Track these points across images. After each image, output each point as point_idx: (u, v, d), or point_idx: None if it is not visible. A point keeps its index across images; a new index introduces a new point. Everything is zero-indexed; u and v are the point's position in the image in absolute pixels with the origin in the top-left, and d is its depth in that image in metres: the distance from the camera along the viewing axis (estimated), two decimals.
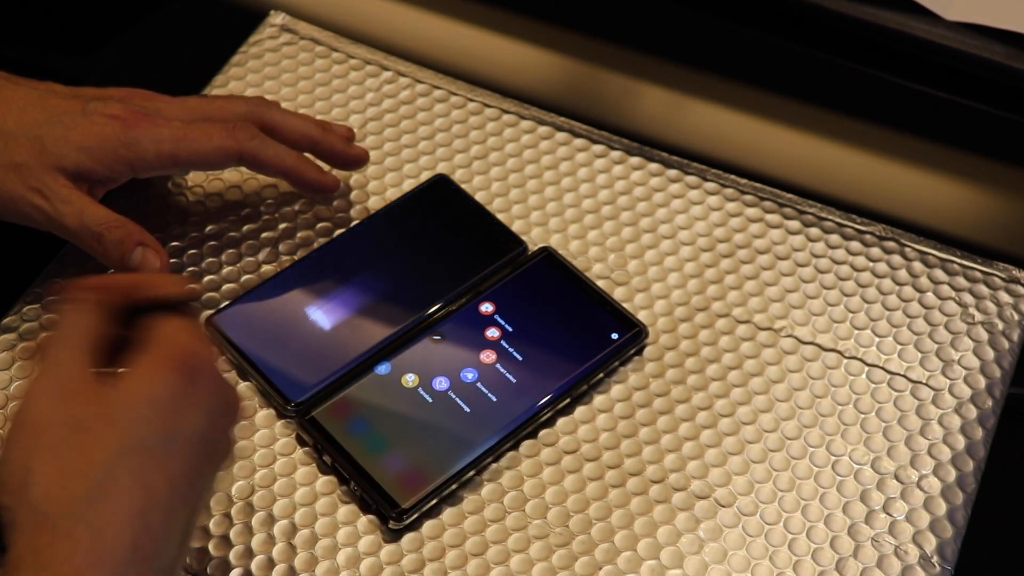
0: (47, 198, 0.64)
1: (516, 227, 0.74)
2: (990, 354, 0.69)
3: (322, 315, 0.69)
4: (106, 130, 0.65)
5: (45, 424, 0.51)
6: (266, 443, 0.66)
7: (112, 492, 0.49)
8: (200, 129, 0.66)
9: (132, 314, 0.55)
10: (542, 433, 0.67)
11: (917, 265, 0.73)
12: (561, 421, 0.67)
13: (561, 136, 0.78)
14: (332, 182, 0.71)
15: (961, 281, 0.72)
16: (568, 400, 0.67)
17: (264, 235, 0.73)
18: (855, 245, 0.74)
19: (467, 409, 0.66)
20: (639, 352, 0.69)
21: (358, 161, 0.72)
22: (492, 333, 0.69)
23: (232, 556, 0.63)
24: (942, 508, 0.64)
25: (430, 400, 0.66)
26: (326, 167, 0.72)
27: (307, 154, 0.71)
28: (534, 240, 0.73)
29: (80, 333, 0.53)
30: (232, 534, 0.63)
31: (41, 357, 0.53)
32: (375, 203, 0.75)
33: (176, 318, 0.54)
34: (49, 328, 0.55)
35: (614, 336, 0.69)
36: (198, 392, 0.53)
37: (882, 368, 0.69)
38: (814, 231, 0.74)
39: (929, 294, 0.72)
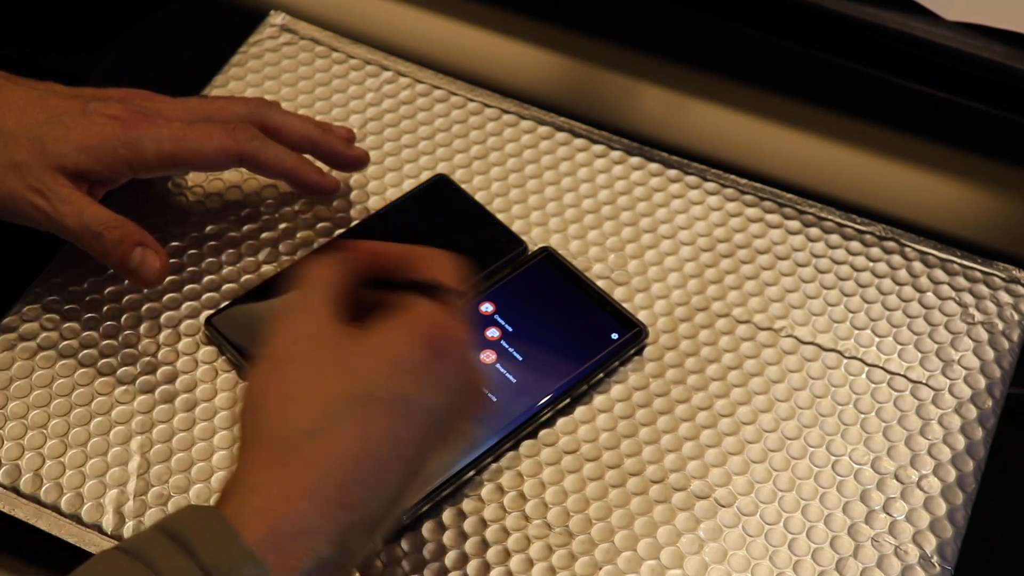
0: (47, 198, 0.64)
1: (516, 227, 0.74)
2: (990, 354, 0.69)
3: None
4: (106, 130, 0.65)
5: (287, 357, 0.52)
6: None
7: (332, 432, 0.50)
8: (200, 130, 0.66)
9: (388, 285, 0.56)
10: (542, 433, 0.67)
11: (917, 265, 0.73)
12: (561, 421, 0.67)
13: (561, 136, 0.78)
14: (332, 184, 0.71)
15: (961, 281, 0.72)
16: (568, 400, 0.67)
17: (264, 235, 0.73)
18: (855, 245, 0.74)
19: None
20: (639, 352, 0.69)
21: (358, 163, 0.72)
22: (492, 333, 0.69)
23: None
24: (942, 508, 0.64)
25: None
26: (326, 168, 0.72)
27: (307, 155, 0.71)
28: (534, 240, 0.73)
29: (329, 284, 0.55)
30: None
31: (292, 299, 0.54)
32: (375, 203, 0.75)
33: (436, 300, 0.54)
34: (297, 272, 0.56)
35: (614, 336, 0.69)
36: (443, 368, 0.53)
37: (882, 368, 0.69)
38: (814, 231, 0.74)
39: (929, 294, 0.72)
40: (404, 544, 0.63)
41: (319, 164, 0.72)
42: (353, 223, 0.74)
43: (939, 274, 0.72)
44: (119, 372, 0.68)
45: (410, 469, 0.52)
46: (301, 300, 0.54)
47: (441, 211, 0.74)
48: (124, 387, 0.68)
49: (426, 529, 0.63)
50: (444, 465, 0.55)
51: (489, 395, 0.66)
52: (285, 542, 0.49)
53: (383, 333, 0.53)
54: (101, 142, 0.65)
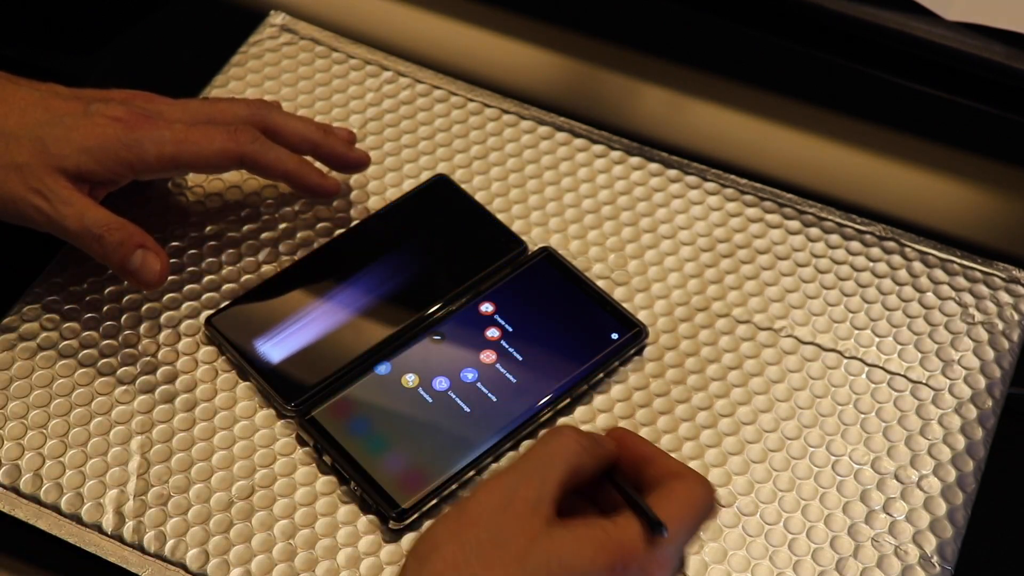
0: (48, 199, 0.64)
1: (516, 227, 0.74)
2: (990, 354, 0.69)
3: (322, 315, 0.69)
4: (108, 132, 0.65)
5: (476, 522, 0.51)
6: (266, 443, 0.66)
7: None
8: (202, 132, 0.67)
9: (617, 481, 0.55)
10: (542, 433, 0.67)
11: (917, 265, 0.73)
12: (561, 421, 0.67)
13: (561, 136, 0.78)
14: (333, 185, 0.71)
15: (961, 281, 0.72)
16: (568, 400, 0.67)
17: (264, 235, 0.73)
18: (855, 245, 0.74)
19: (467, 409, 0.66)
20: (639, 352, 0.69)
21: (359, 164, 0.72)
22: (492, 333, 0.69)
23: (232, 556, 0.63)
24: (942, 508, 0.64)
25: (430, 400, 0.66)
26: (327, 170, 0.72)
27: (308, 157, 0.71)
28: (534, 240, 0.73)
29: (567, 466, 0.53)
30: (232, 534, 0.63)
31: (526, 462, 0.53)
32: (375, 203, 0.75)
33: (636, 523, 0.53)
34: (550, 433, 0.55)
35: (614, 336, 0.69)
36: None
37: (882, 368, 0.69)
38: (814, 231, 0.74)
39: (929, 294, 0.72)
40: (404, 544, 0.63)
41: (320, 166, 0.72)
42: (353, 223, 0.74)
43: (939, 274, 0.72)
44: (119, 372, 0.68)
45: None
46: (528, 468, 0.53)
47: (441, 211, 0.74)
48: (124, 387, 0.68)
49: (427, 529, 0.63)
50: None
51: (489, 395, 0.66)
52: None
53: (575, 536, 0.51)
54: (102, 143, 0.65)
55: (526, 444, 0.66)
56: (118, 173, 0.66)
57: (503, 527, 0.51)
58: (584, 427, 0.67)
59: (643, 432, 0.67)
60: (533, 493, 0.52)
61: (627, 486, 0.54)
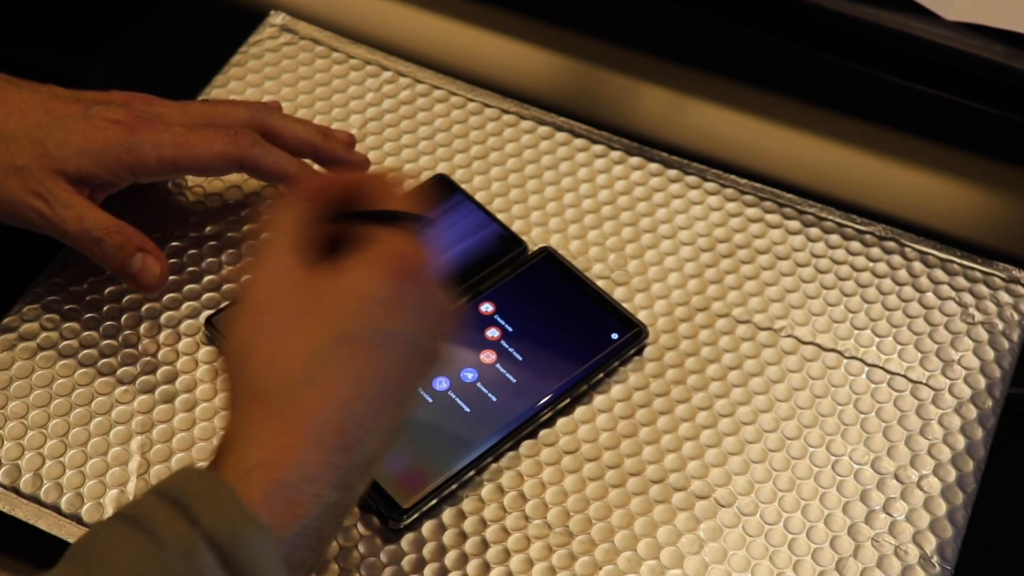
0: (47, 202, 0.64)
1: (516, 227, 0.74)
2: (990, 354, 0.69)
3: None
4: (108, 134, 0.65)
5: (265, 306, 0.53)
6: None
7: (323, 377, 0.51)
8: (202, 135, 0.67)
9: (349, 218, 0.56)
10: (542, 433, 0.67)
11: (917, 265, 0.73)
12: (561, 421, 0.67)
13: (561, 136, 0.78)
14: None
15: (961, 281, 0.72)
16: (568, 400, 0.67)
17: (264, 235, 0.73)
18: (855, 245, 0.74)
19: (467, 409, 0.66)
20: (639, 352, 0.69)
21: (359, 167, 0.72)
22: (492, 333, 0.69)
23: None
24: (942, 508, 0.64)
25: (430, 400, 0.66)
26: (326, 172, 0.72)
27: (308, 160, 0.71)
28: (534, 240, 0.73)
29: (293, 225, 0.55)
30: None
31: (261, 245, 0.55)
32: None
33: (396, 228, 0.55)
34: (258, 229, 0.57)
35: (614, 336, 0.69)
36: (415, 296, 0.53)
37: (882, 368, 0.69)
38: (814, 231, 0.74)
39: (929, 294, 0.72)
40: (404, 544, 0.63)
41: (319, 169, 0.72)
42: None
43: (939, 274, 0.72)
44: (119, 372, 0.68)
45: (400, 400, 0.53)
46: (269, 246, 0.55)
47: (441, 211, 0.74)
48: (124, 387, 0.68)
49: (426, 529, 0.63)
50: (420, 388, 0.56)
51: (489, 395, 0.66)
52: (290, 492, 0.49)
53: (354, 270, 0.53)
54: (103, 146, 0.65)
55: (526, 444, 0.66)
56: (118, 176, 0.66)
57: (288, 297, 0.52)
58: (584, 427, 0.67)
59: (643, 432, 0.67)
60: (286, 261, 0.53)
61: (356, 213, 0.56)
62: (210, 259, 0.72)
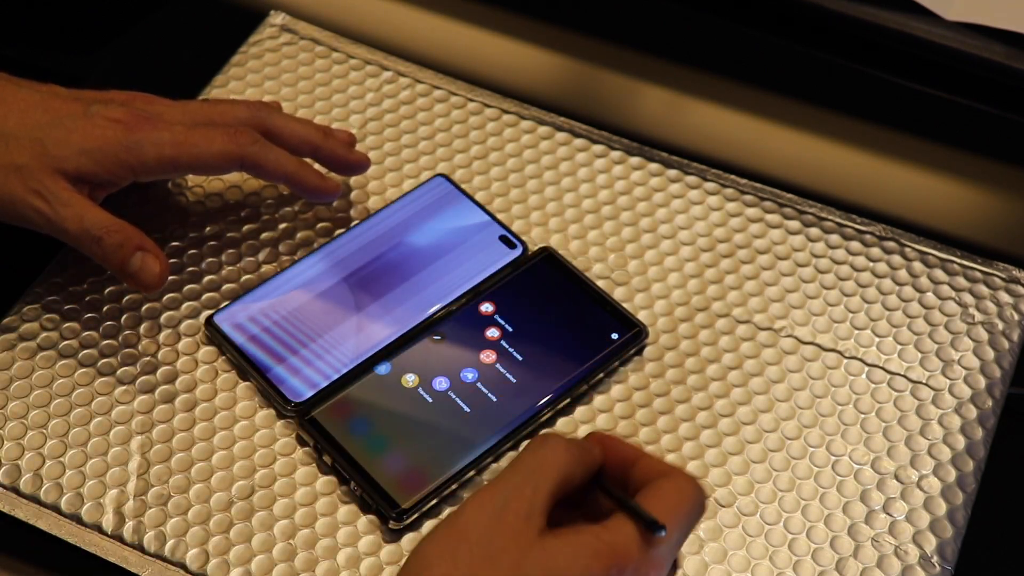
0: (47, 201, 0.64)
1: (516, 227, 0.74)
2: (990, 354, 0.69)
3: (322, 315, 0.69)
4: (108, 133, 0.65)
5: (467, 537, 0.51)
6: (266, 443, 0.66)
7: None
8: (202, 134, 0.67)
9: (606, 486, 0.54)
10: (526, 443, 0.66)
11: (917, 265, 0.73)
12: (561, 421, 0.67)
13: (561, 136, 0.78)
14: (333, 187, 0.71)
15: (961, 281, 0.72)
16: (568, 400, 0.67)
17: (264, 235, 0.73)
18: (855, 245, 0.74)
19: (467, 409, 0.66)
20: (639, 352, 0.69)
21: (359, 166, 0.72)
22: (492, 333, 0.69)
23: (232, 556, 0.63)
24: (942, 508, 0.64)
25: (430, 400, 0.66)
26: (326, 172, 0.72)
27: (308, 159, 0.71)
28: (534, 240, 0.73)
29: (556, 475, 0.52)
30: (232, 534, 0.63)
31: (512, 473, 0.52)
32: (375, 203, 0.75)
33: (633, 527, 0.52)
34: (535, 442, 0.54)
35: (614, 336, 0.69)
36: None
37: (882, 368, 0.69)
38: (814, 231, 0.74)
39: (929, 294, 0.72)
40: (404, 544, 0.63)
41: (319, 168, 0.72)
42: (353, 223, 0.74)
43: (939, 274, 0.72)
44: (119, 372, 0.68)
45: None
46: (519, 480, 0.52)
47: (441, 211, 0.74)
48: (124, 387, 0.68)
49: (426, 529, 0.63)
50: None
51: (489, 395, 0.66)
52: None
53: (568, 545, 0.51)
54: (102, 145, 0.65)
55: (526, 444, 0.66)
56: (117, 175, 0.66)
57: (495, 541, 0.50)
58: (584, 427, 0.67)
59: (643, 432, 0.67)
60: (524, 505, 0.51)
61: (616, 490, 0.54)
62: (210, 259, 0.72)
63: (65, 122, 0.65)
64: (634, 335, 0.69)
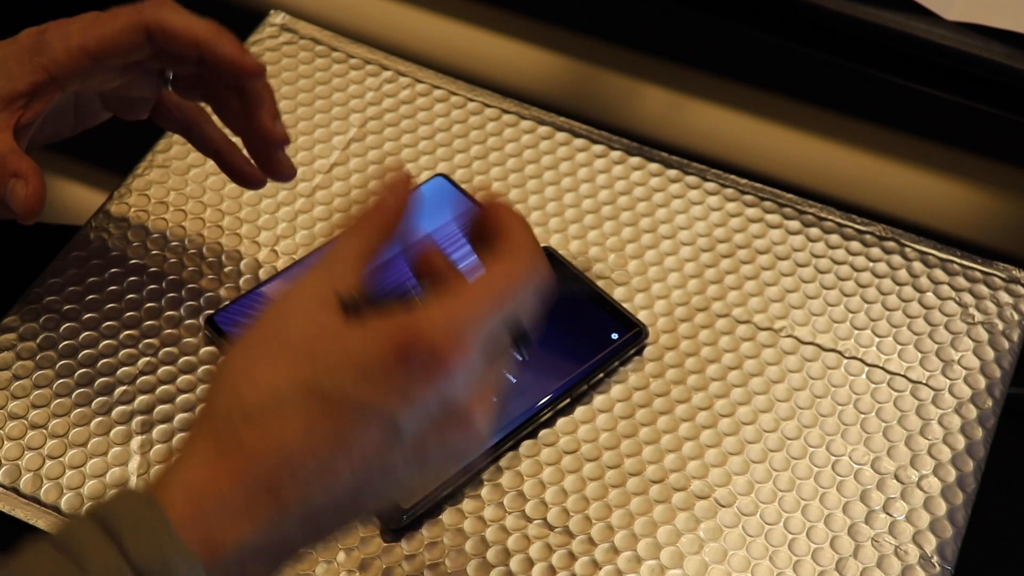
0: None
1: None
2: (990, 354, 0.69)
3: None
4: (20, 39, 0.62)
5: (265, 335, 0.49)
6: None
7: (273, 417, 0.47)
8: (106, 14, 0.62)
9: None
10: (542, 433, 0.67)
11: (917, 265, 0.73)
12: (561, 421, 0.67)
13: (561, 136, 0.78)
14: (252, 64, 0.65)
15: (961, 281, 0.72)
16: (568, 400, 0.67)
17: (264, 235, 0.73)
18: (855, 245, 0.74)
19: None
20: (639, 352, 0.69)
21: (253, 71, 0.66)
22: None
23: None
24: (942, 508, 0.64)
25: None
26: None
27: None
28: None
29: (350, 257, 0.51)
30: None
31: (311, 268, 0.51)
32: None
33: (442, 313, 0.49)
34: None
35: (614, 336, 0.69)
36: (416, 385, 0.48)
37: (882, 368, 0.69)
38: (814, 231, 0.74)
39: (929, 294, 0.72)
40: (404, 544, 0.63)
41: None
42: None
43: (939, 274, 0.72)
44: (119, 372, 0.68)
45: (363, 478, 0.48)
46: (313, 273, 0.50)
47: (441, 211, 0.74)
48: (124, 387, 0.68)
49: (426, 529, 0.63)
50: (425, 484, 0.51)
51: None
52: (210, 523, 0.46)
53: (365, 331, 0.48)
54: (16, 52, 0.61)
55: (526, 444, 0.66)
56: (36, 83, 0.61)
57: (290, 325, 0.49)
58: (584, 427, 0.67)
59: (643, 432, 0.67)
60: (324, 287, 0.50)
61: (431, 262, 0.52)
62: (210, 259, 0.72)
63: None
64: (634, 335, 0.69)
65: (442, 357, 0.48)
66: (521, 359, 0.52)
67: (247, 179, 0.69)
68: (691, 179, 0.76)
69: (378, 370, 0.48)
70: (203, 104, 0.69)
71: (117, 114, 0.68)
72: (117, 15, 0.62)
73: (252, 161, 0.68)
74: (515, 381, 0.67)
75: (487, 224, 0.53)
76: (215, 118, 0.69)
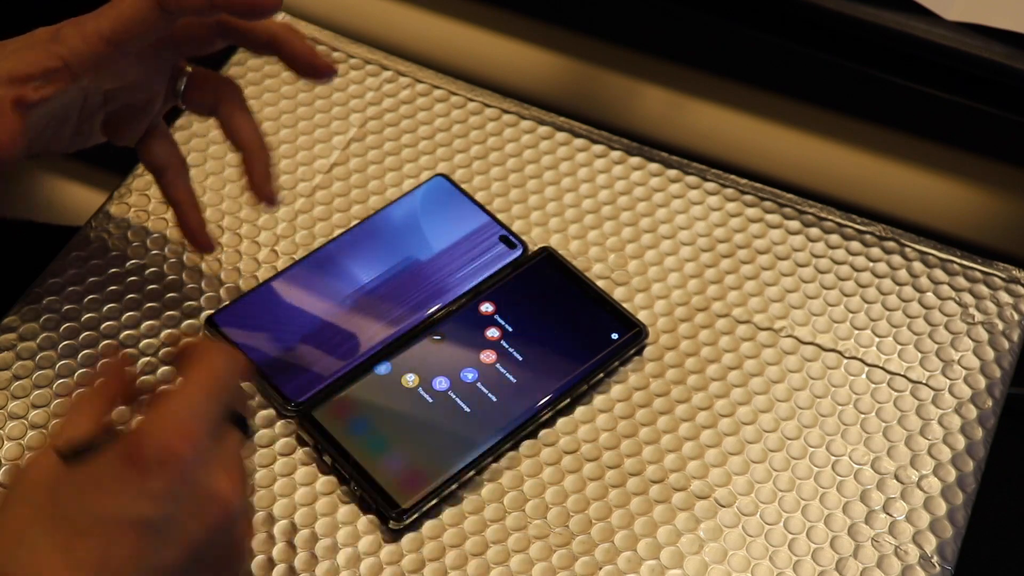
0: None
1: (516, 227, 0.74)
2: (990, 354, 0.69)
3: (322, 315, 0.69)
4: (36, 34, 0.61)
5: (10, 501, 0.50)
6: (266, 443, 0.66)
7: (26, 558, 0.48)
8: (116, 2, 0.60)
9: None
10: (542, 433, 0.67)
11: (917, 265, 0.73)
12: (561, 421, 0.67)
13: (561, 136, 0.78)
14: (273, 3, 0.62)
15: (961, 281, 0.72)
16: (568, 400, 0.67)
17: (264, 235, 0.73)
18: (855, 245, 0.74)
19: (467, 409, 0.66)
20: (639, 352, 0.69)
21: (327, 71, 0.65)
22: (492, 333, 0.69)
23: None
24: (942, 508, 0.64)
25: (430, 400, 0.66)
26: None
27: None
28: (534, 240, 0.73)
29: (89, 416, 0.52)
30: None
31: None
32: (375, 203, 0.75)
33: (172, 416, 0.50)
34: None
35: (614, 336, 0.69)
36: (155, 481, 0.48)
37: (882, 368, 0.69)
38: (814, 231, 0.74)
39: (929, 294, 0.72)
40: (404, 544, 0.63)
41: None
42: (353, 223, 0.74)
43: (939, 274, 0.72)
44: None
45: None
46: (42, 450, 0.51)
47: (441, 211, 0.74)
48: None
49: (426, 529, 0.63)
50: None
51: (489, 395, 0.66)
52: None
53: (94, 459, 0.49)
54: (31, 43, 0.61)
55: (526, 444, 0.66)
56: (50, 71, 0.60)
57: (25, 483, 0.50)
58: (584, 427, 0.67)
59: (643, 432, 0.67)
60: (46, 454, 0.50)
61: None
62: (210, 259, 0.72)
63: (6, 45, 0.61)
64: (634, 335, 0.69)
65: (170, 446, 0.49)
66: (248, 436, 0.54)
67: (198, 243, 0.68)
68: (691, 179, 0.76)
69: (114, 481, 0.48)
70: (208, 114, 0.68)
71: (110, 135, 0.67)
72: (125, 1, 0.60)
73: (206, 227, 0.68)
74: (515, 381, 0.67)
75: (175, 357, 0.55)
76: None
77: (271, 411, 0.67)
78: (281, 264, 0.72)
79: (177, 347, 0.55)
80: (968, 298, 0.71)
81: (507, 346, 0.68)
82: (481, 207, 0.74)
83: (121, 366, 0.56)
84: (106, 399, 0.54)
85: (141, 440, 0.49)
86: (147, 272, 0.71)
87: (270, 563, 0.62)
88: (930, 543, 0.63)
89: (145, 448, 0.49)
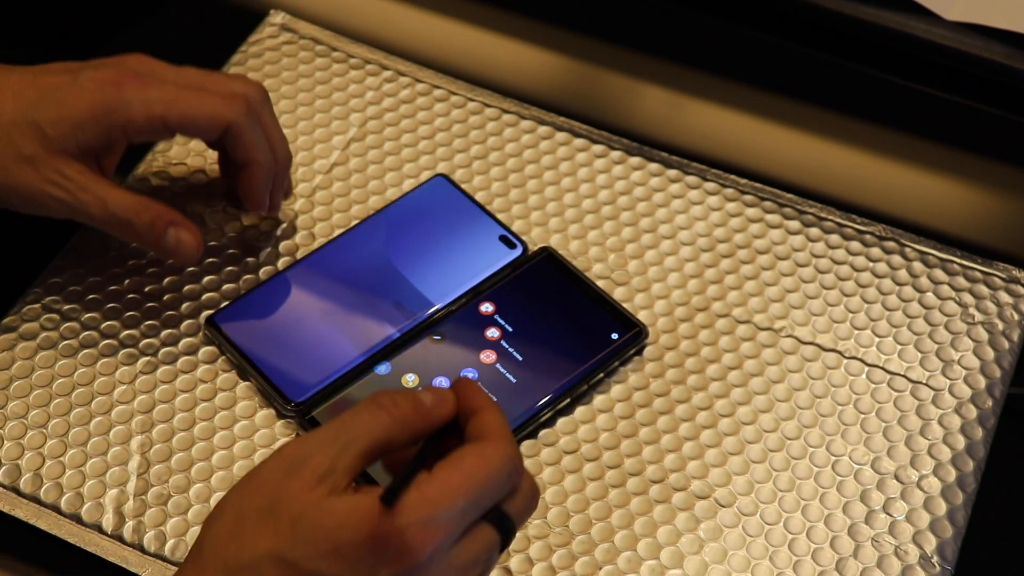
0: (65, 189, 0.63)
1: (516, 227, 0.74)
2: (990, 354, 0.69)
3: (322, 315, 0.69)
4: (96, 97, 0.64)
5: (260, 489, 0.51)
6: (266, 443, 0.66)
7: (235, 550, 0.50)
8: (195, 94, 0.65)
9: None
10: (542, 433, 0.67)
11: (917, 265, 0.73)
12: (561, 421, 0.67)
13: (561, 136, 0.78)
14: (273, 206, 0.70)
15: (961, 281, 0.72)
16: (568, 400, 0.67)
17: (264, 235, 0.73)
18: (855, 245, 0.74)
19: None
20: (639, 352, 0.69)
21: (273, 208, 0.71)
22: (492, 333, 0.69)
23: None
24: (942, 508, 0.64)
25: None
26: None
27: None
28: (534, 240, 0.73)
29: (376, 440, 0.52)
30: None
31: (325, 432, 0.52)
32: (375, 203, 0.75)
33: (432, 501, 0.50)
34: (356, 408, 0.53)
35: (614, 336, 0.69)
36: (384, 573, 0.50)
37: (882, 368, 0.69)
38: (814, 231, 0.74)
39: (929, 294, 0.72)
40: None
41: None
42: (353, 223, 0.74)
43: (939, 274, 0.72)
44: (119, 372, 0.68)
45: None
46: (328, 437, 0.52)
47: (441, 211, 0.74)
48: (124, 387, 0.68)
49: None
50: None
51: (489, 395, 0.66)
52: None
53: (345, 507, 0.50)
54: (92, 111, 0.63)
55: (526, 444, 0.66)
56: (112, 138, 0.64)
57: (283, 494, 0.51)
58: (584, 427, 0.67)
59: (643, 432, 0.67)
60: (325, 462, 0.51)
61: (425, 453, 0.52)
62: (210, 259, 0.72)
63: (55, 95, 0.64)
64: (634, 335, 0.69)
65: (412, 548, 0.49)
66: (506, 542, 0.53)
67: (259, 204, 0.70)
68: (691, 179, 0.76)
69: (350, 551, 0.49)
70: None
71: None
72: (205, 101, 0.65)
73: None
74: (515, 381, 0.67)
75: (458, 401, 0.55)
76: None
77: (271, 411, 0.67)
78: (281, 264, 0.72)
79: (456, 384, 0.55)
80: (968, 298, 0.71)
81: (507, 346, 0.68)
82: (481, 207, 0.74)
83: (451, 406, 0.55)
84: (412, 438, 0.54)
85: (390, 524, 0.49)
86: (147, 272, 0.71)
87: None
88: (930, 543, 0.63)
89: (391, 536, 0.49)
